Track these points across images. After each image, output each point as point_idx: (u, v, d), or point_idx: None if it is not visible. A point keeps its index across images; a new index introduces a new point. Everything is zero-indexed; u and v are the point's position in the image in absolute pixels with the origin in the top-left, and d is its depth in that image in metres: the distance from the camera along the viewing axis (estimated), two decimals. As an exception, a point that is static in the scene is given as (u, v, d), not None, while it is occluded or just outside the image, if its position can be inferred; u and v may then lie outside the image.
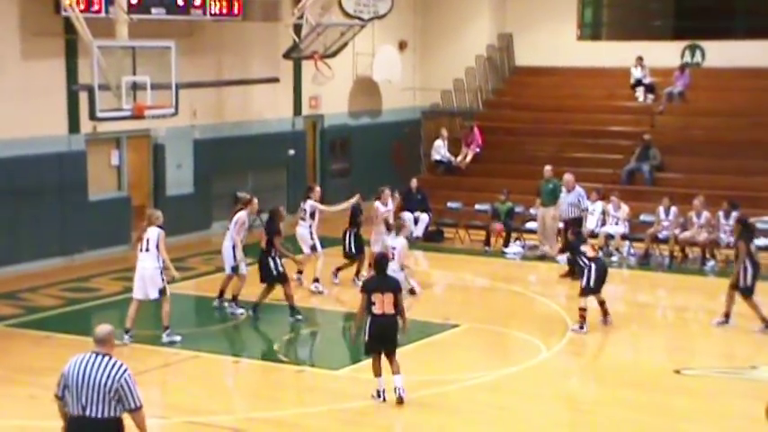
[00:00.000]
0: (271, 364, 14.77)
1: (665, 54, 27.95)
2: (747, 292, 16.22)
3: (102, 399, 8.09)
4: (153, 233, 15.27)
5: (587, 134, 26.63)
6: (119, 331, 15.30)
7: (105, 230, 21.45)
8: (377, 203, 19.15)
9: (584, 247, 16.41)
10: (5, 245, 19.77)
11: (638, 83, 27.58)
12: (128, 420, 8.34)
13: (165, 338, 15.24)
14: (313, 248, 18.55)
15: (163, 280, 15.24)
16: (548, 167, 22.23)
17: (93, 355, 8.20)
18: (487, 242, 22.63)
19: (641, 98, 27.60)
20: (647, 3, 31.78)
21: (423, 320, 16.29)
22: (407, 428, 12.01)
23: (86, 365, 8.16)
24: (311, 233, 18.57)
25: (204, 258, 21.15)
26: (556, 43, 29.59)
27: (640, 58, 27.42)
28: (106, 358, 8.18)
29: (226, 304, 17.08)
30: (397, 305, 12.52)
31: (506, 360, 15.29)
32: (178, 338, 15.36)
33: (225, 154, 24.18)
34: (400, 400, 12.47)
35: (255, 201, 17.51)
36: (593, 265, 16.15)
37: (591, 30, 31.11)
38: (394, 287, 12.60)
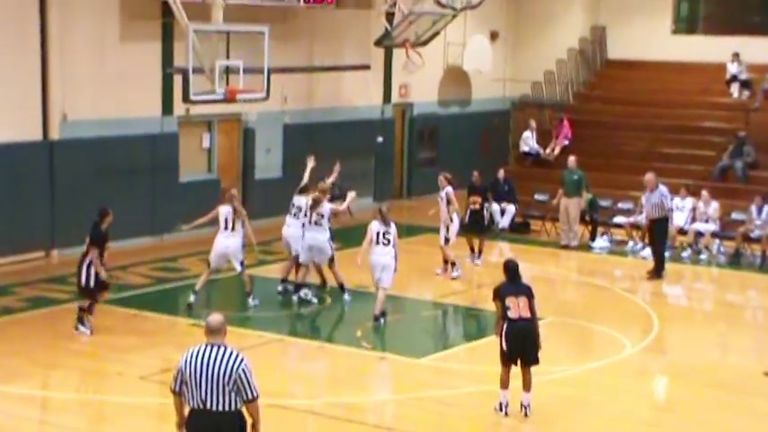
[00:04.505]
0: (353, 350, 14.82)
1: (763, 50, 27.36)
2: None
3: (221, 390, 7.89)
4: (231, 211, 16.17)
5: (679, 129, 26.22)
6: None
7: (194, 212, 21.68)
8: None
9: None
10: (98, 223, 20.13)
11: (734, 78, 27.08)
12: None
13: (251, 303, 16.48)
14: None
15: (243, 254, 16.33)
16: (572, 158, 22.30)
17: (209, 347, 7.99)
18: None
19: (736, 94, 27.10)
20: (745, -3, 31.17)
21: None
22: (489, 420, 11.98)
23: (203, 357, 7.94)
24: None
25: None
26: (650, 37, 29.17)
27: (737, 54, 26.90)
28: (222, 348, 7.97)
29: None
30: (533, 310, 11.79)
31: (590, 355, 15.17)
32: (257, 301, 16.54)
33: (314, 140, 24.28)
34: (525, 417, 11.91)
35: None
36: None
37: (686, 24, 30.61)
38: (527, 291, 11.85)
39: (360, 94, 25.71)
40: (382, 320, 15.64)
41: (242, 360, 7.97)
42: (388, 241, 15.51)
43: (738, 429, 12.22)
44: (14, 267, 18.69)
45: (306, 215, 16.73)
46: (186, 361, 8.01)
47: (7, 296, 16.92)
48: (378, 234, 15.52)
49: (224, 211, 16.11)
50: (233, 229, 16.04)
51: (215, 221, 16.29)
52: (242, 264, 16.26)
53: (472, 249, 20.22)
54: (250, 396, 7.98)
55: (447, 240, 18.91)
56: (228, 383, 7.90)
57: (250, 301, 16.44)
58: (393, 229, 15.61)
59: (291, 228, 17.11)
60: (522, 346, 11.75)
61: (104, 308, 16.40)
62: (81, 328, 14.79)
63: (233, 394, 7.93)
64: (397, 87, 26.96)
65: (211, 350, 7.97)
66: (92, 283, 14.65)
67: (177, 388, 8.08)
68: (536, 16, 29.94)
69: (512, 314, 11.70)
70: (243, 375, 7.93)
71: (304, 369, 14.38)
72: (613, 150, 26.02)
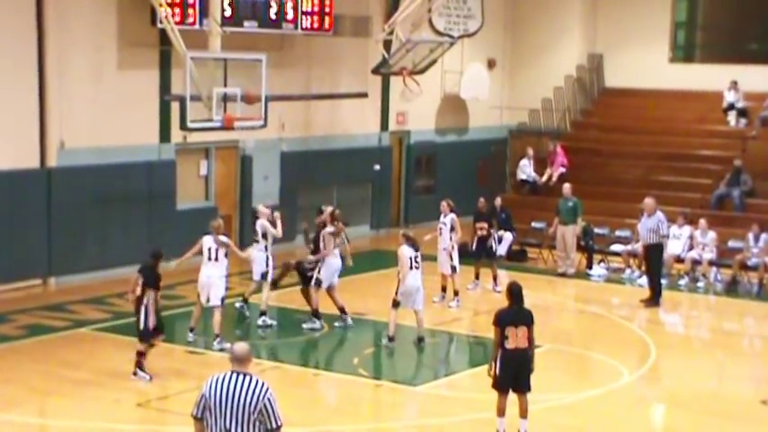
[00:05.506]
0: (350, 378, 14.80)
1: (760, 78, 27.43)
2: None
3: (247, 419, 7.84)
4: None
5: (676, 158, 26.26)
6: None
7: (192, 239, 21.67)
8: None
9: None
10: (95, 250, 20.16)
11: (731, 107, 27.13)
12: None
13: (216, 345, 15.61)
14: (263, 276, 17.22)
15: (226, 289, 15.91)
16: (566, 185, 22.39)
17: (234, 374, 7.93)
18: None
19: (733, 122, 27.14)
20: (743, 26, 31.26)
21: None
22: (485, 448, 11.96)
23: (229, 385, 7.89)
24: (267, 257, 17.13)
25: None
26: (647, 65, 29.25)
27: (734, 82, 26.97)
28: (248, 377, 7.93)
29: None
30: (531, 339, 11.83)
31: (587, 383, 15.13)
32: (228, 345, 15.55)
33: (311, 167, 24.37)
34: None
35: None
36: None
37: (683, 52, 30.72)
38: (528, 320, 11.84)
39: (357, 121, 25.77)
40: (423, 344, 16.14)
41: (267, 389, 7.94)
42: (419, 265, 15.91)
43: (736, 458, 12.19)
44: (12, 295, 18.68)
45: (265, 238, 17.06)
46: (211, 387, 7.93)
47: (4, 324, 16.90)
48: (410, 259, 15.86)
49: (207, 241, 15.93)
50: (216, 259, 15.81)
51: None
52: (222, 300, 15.79)
53: (477, 276, 20.25)
54: (274, 425, 7.93)
55: (454, 269, 18.89)
56: (254, 412, 7.85)
57: (216, 344, 15.65)
58: (420, 252, 16.11)
59: (255, 251, 17.32)
60: (513, 375, 11.78)
61: (102, 336, 16.40)
62: (140, 373, 14.25)
63: (257, 423, 7.88)
64: (395, 115, 27.02)
65: (237, 378, 7.93)
66: (150, 325, 14.27)
67: (199, 414, 8.00)
68: (533, 44, 30.04)
69: (509, 344, 11.71)
70: (268, 404, 7.89)
71: (301, 396, 14.33)
72: (611, 178, 26.06)
